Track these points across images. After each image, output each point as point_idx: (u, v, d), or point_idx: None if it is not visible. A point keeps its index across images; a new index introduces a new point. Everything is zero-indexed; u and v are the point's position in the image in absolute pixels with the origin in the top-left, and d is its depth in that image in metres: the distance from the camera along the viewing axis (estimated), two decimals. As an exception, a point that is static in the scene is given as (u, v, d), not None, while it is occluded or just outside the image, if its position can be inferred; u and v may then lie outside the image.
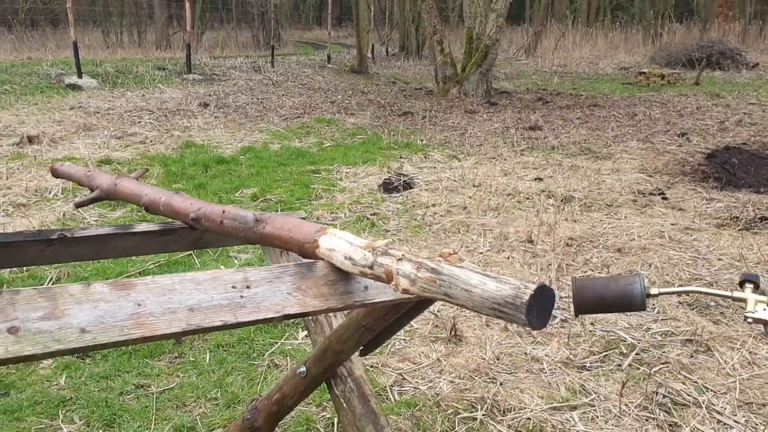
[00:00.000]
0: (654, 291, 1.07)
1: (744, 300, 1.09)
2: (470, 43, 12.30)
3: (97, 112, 9.83)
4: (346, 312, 1.70)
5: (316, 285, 1.32)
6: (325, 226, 1.41)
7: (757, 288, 1.09)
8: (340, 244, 1.35)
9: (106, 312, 1.06)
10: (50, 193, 5.90)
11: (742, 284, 1.11)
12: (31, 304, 1.01)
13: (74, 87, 11.79)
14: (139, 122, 9.40)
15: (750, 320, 1.08)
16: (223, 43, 23.10)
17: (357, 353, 1.72)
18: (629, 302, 1.05)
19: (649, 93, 12.98)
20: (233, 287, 1.22)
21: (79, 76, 12.21)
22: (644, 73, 14.96)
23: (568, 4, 27.26)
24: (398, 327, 1.66)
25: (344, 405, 1.72)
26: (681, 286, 0.96)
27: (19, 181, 6.20)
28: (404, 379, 3.06)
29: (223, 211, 1.62)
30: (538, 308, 1.07)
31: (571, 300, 1.03)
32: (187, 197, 1.76)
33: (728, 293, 1.10)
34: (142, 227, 1.72)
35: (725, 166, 6.86)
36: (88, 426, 2.73)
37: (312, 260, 1.39)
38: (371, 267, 1.27)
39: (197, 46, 19.09)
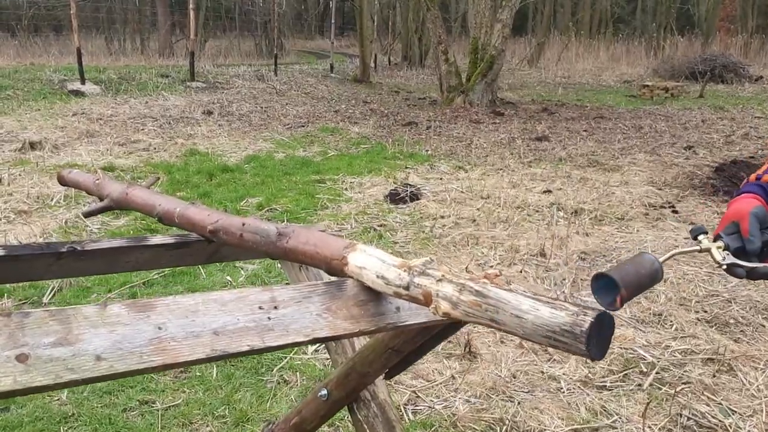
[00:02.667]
0: (661, 260, 1.05)
1: (708, 250, 1.11)
2: (475, 53, 12.25)
3: (100, 119, 9.75)
4: (370, 332, 1.60)
5: (346, 306, 1.23)
6: (354, 242, 1.31)
7: (707, 236, 1.13)
8: (371, 262, 1.26)
9: (123, 337, 0.97)
10: (52, 199, 5.80)
11: (696, 237, 1.14)
12: (42, 328, 0.91)
13: (77, 93, 11.71)
14: (143, 129, 9.32)
15: (723, 267, 1.10)
16: (226, 52, 23.09)
17: (381, 376, 1.63)
18: (657, 277, 1.04)
19: (654, 106, 12.92)
20: (260, 308, 1.12)
21: (82, 82, 12.14)
22: (648, 85, 14.91)
23: (571, 16, 27.29)
24: (427, 349, 1.56)
25: (367, 431, 1.63)
26: (669, 251, 0.96)
27: (21, 187, 6.10)
28: (418, 397, 2.96)
29: (243, 224, 1.53)
30: (598, 337, 0.98)
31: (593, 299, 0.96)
32: (203, 208, 1.67)
33: (697, 248, 1.13)
34: (157, 240, 1.62)
35: (733, 179, 6.78)
36: (91, 444, 2.63)
37: (340, 278, 1.30)
38: (407, 288, 1.18)
39: (200, 54, 19.06)
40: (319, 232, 1.43)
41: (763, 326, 3.49)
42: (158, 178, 2.46)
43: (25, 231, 5.04)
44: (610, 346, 3.33)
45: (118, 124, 9.55)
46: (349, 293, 1.25)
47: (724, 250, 1.13)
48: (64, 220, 5.29)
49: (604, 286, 1.03)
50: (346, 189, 6.54)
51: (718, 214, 5.62)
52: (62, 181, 2.11)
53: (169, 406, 2.87)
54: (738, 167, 7.11)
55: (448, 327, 1.51)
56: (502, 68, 12.81)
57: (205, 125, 9.87)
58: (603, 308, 1.01)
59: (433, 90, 15.68)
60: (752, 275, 1.11)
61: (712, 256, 1.13)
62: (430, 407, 2.87)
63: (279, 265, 3.53)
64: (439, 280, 1.14)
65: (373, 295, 1.27)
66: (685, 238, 4.98)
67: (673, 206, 5.91)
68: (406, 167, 7.44)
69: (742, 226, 1.14)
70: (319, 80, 17.39)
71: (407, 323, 1.29)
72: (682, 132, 9.73)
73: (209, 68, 16.66)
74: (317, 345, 3.20)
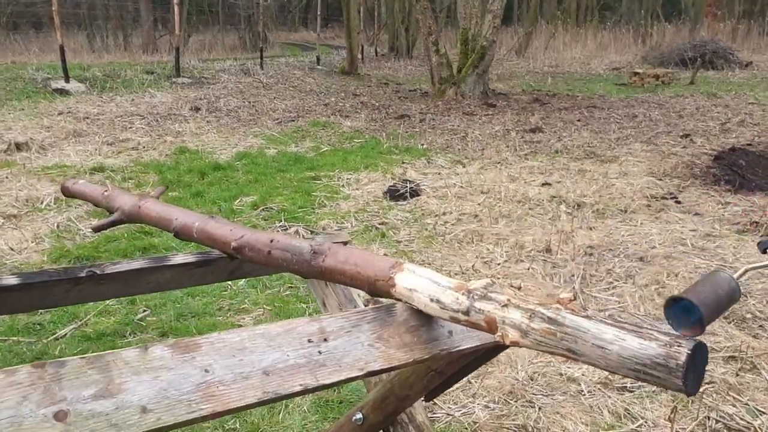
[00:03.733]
0: (735, 277, 0.99)
1: None
2: (465, 44, 12.13)
3: (87, 118, 9.55)
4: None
5: (398, 333, 1.13)
6: (401, 261, 1.21)
7: None
8: (422, 284, 1.16)
9: (169, 383, 0.86)
10: (42, 202, 5.65)
11: (765, 251, 1.10)
12: (81, 378, 0.81)
13: (62, 92, 11.48)
14: (131, 128, 9.14)
15: None
16: (210, 46, 22.82)
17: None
18: (735, 297, 0.97)
19: (645, 94, 12.88)
20: (309, 341, 1.02)
21: (67, 80, 11.90)
22: (638, 73, 14.87)
23: (557, 4, 27.21)
24: (470, 370, 1.47)
25: (406, 455, 1.53)
26: (741, 268, 0.91)
27: (9, 190, 5.94)
28: (435, 404, 2.86)
29: (272, 240, 1.42)
30: (694, 369, 0.89)
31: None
32: (224, 222, 1.56)
33: None
34: (179, 259, 1.51)
35: (734, 168, 6.74)
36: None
37: (388, 302, 1.20)
38: (467, 313, 1.08)
39: (185, 49, 18.81)
40: (360, 250, 1.33)
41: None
42: (166, 188, 2.34)
43: (15, 236, 4.90)
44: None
45: (105, 122, 9.36)
46: (400, 318, 1.16)
47: None
48: (55, 224, 5.15)
49: (682, 309, 0.93)
50: (342, 186, 6.43)
51: (722, 204, 5.57)
52: (67, 193, 1.98)
53: (179, 421, 2.76)
54: (737, 155, 7.07)
55: (494, 348, 1.42)
56: (493, 59, 12.70)
57: (194, 122, 9.71)
58: (685, 334, 0.93)
59: (423, 81, 15.57)
60: None
61: None
62: (448, 414, 2.79)
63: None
64: (505, 305, 1.04)
65: (424, 320, 1.18)
66: (691, 230, 4.92)
67: (675, 197, 5.85)
68: (403, 162, 7.33)
69: None
70: (306, 73, 17.20)
71: (461, 348, 1.20)
72: (677, 120, 9.69)
73: (194, 63, 16.43)
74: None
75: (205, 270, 1.53)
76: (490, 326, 1.06)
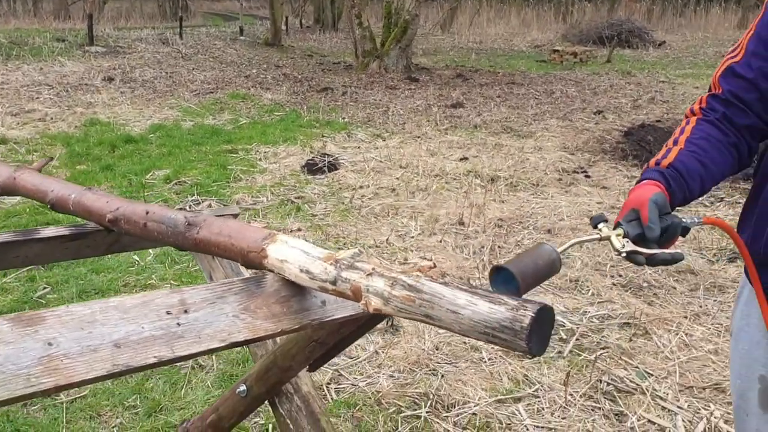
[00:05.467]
0: (559, 250, 1.07)
1: (608, 238, 1.12)
2: (389, 18, 12.10)
3: (-11, 87, 9.03)
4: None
5: (266, 304, 1.12)
6: (274, 232, 1.20)
7: (607, 223, 1.14)
8: (293, 254, 1.15)
9: (6, 357, 0.83)
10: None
11: (596, 226, 1.15)
12: None
13: (-39, 58, 10.81)
14: (38, 98, 8.71)
15: (623, 255, 1.11)
16: (127, 14, 21.94)
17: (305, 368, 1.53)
18: (555, 268, 1.04)
19: (564, 71, 13.20)
20: (168, 313, 1.00)
21: (-33, 46, 11.20)
22: (558, 50, 15.22)
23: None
24: (353, 340, 1.48)
25: (291, 426, 1.54)
26: (569, 240, 0.98)
27: None
28: (341, 375, 2.89)
29: (147, 212, 1.38)
30: (539, 331, 0.92)
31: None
32: (102, 194, 1.51)
33: (597, 236, 1.13)
34: (49, 232, 1.45)
35: (642, 143, 7.02)
36: (-12, 446, 2.42)
37: (259, 273, 1.19)
38: (334, 282, 1.08)
39: (99, 17, 17.99)
40: (235, 222, 1.31)
41: (674, 288, 3.62)
42: (51, 159, 2.24)
43: None
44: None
45: (9, 92, 8.89)
46: (270, 289, 1.15)
47: (623, 237, 1.13)
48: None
49: (503, 278, 1.01)
50: (260, 159, 6.34)
51: (628, 177, 5.79)
52: (-63, 164, 1.87)
53: (75, 398, 2.69)
54: (645, 131, 7.36)
55: (375, 317, 1.43)
56: (416, 33, 12.71)
57: (106, 92, 9.33)
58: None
59: (347, 54, 15.44)
60: (652, 262, 1.11)
61: (612, 245, 1.12)
62: (353, 385, 2.82)
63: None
64: (369, 274, 1.05)
65: (296, 290, 1.17)
66: (598, 203, 5.11)
67: (585, 171, 6.05)
68: (323, 136, 7.28)
69: (642, 214, 1.15)
70: (228, 44, 16.79)
71: (334, 318, 1.20)
72: (592, 97, 9.99)
73: (109, 32, 15.77)
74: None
75: (80, 243, 1.47)
76: (356, 295, 1.06)
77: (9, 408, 2.62)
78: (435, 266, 1.03)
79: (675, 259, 1.12)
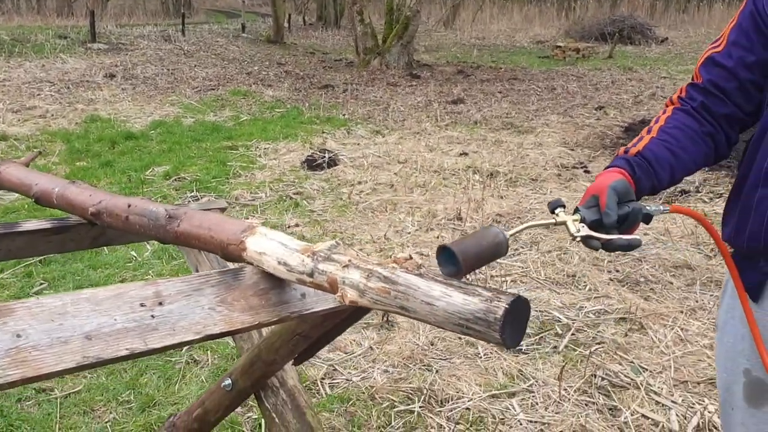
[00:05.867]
0: (508, 234, 1.08)
1: (564, 223, 1.13)
2: (390, 14, 12.08)
3: (-9, 84, 9.05)
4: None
5: (244, 296, 1.11)
6: (254, 224, 1.19)
7: (565, 209, 1.15)
8: (271, 247, 1.15)
9: (-28, 349, 0.82)
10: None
11: (554, 210, 1.16)
12: None
13: (-37, 55, 10.83)
14: (39, 95, 8.72)
15: (577, 239, 1.12)
16: (130, 11, 21.95)
17: (290, 361, 1.53)
18: (500, 250, 1.05)
19: (566, 67, 13.17)
20: (142, 305, 1.00)
21: (-31, 43, 11.22)
22: (560, 47, 15.17)
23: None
24: (337, 333, 1.47)
25: (276, 420, 1.53)
26: (522, 224, 1.00)
27: None
28: (335, 370, 2.89)
29: (129, 205, 1.38)
30: (513, 323, 0.91)
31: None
32: (85, 187, 1.50)
33: (553, 221, 1.14)
34: (31, 225, 1.45)
35: (642, 139, 6.99)
36: (-19, 441, 2.43)
37: (238, 265, 1.18)
38: (311, 275, 1.07)
39: (102, 14, 18.01)
40: (215, 215, 1.30)
41: (671, 283, 3.60)
42: (39, 153, 2.24)
43: None
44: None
45: (11, 89, 8.90)
46: (248, 282, 1.14)
47: (580, 222, 1.14)
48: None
49: (447, 258, 1.02)
50: (260, 156, 6.33)
51: (626, 173, 5.76)
52: (-75, 158, 1.87)
53: (69, 394, 2.69)
54: (646, 126, 7.33)
55: (359, 309, 1.43)
56: (417, 30, 12.69)
57: (108, 89, 9.34)
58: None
59: (349, 52, 15.42)
60: (608, 247, 1.12)
61: (567, 229, 1.14)
62: (347, 380, 2.81)
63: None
64: (345, 266, 1.04)
65: (275, 283, 1.17)
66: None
67: (585, 166, 6.02)
68: (323, 132, 7.27)
69: (601, 200, 1.16)
70: (230, 41, 16.79)
71: (313, 310, 1.20)
72: (593, 93, 9.96)
73: (112, 29, 15.78)
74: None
75: (64, 237, 1.47)
76: (332, 286, 1.05)
77: (2, 403, 2.62)
78: (412, 258, 1.02)
79: (631, 245, 1.11)
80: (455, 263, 1.00)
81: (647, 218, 1.18)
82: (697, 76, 1.29)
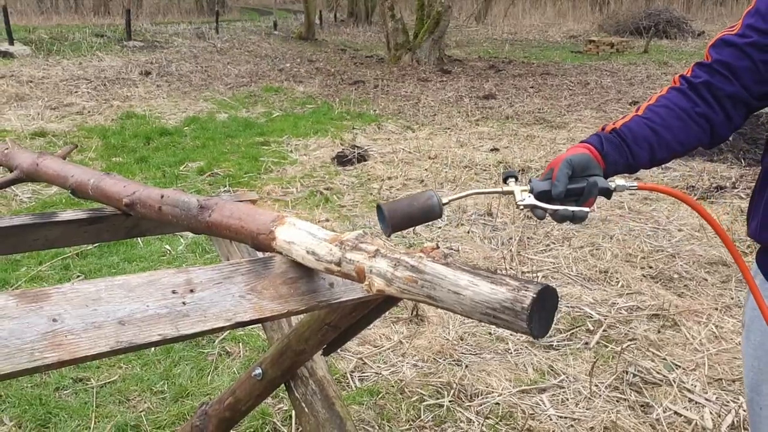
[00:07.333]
0: (445, 200, 1.15)
1: (512, 192, 1.18)
2: (422, 10, 12.05)
3: (31, 81, 9.26)
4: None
5: (273, 285, 1.13)
6: (283, 214, 1.21)
7: (517, 181, 1.20)
8: (300, 236, 1.16)
9: (11, 332, 0.85)
10: (-22, 168, 5.48)
11: (506, 180, 1.21)
12: None
13: (5, 54, 11.09)
14: (76, 92, 8.90)
15: (521, 207, 1.17)
16: (165, 9, 22.26)
17: (319, 352, 1.54)
18: (431, 213, 1.13)
19: (600, 61, 12.99)
20: (174, 292, 1.01)
21: (11, 42, 11.51)
22: (594, 41, 14.98)
23: (517, -29, 27.11)
24: (366, 324, 1.48)
25: (306, 409, 1.55)
26: (464, 190, 1.04)
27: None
28: (365, 364, 2.90)
29: (162, 196, 1.40)
30: (540, 312, 0.91)
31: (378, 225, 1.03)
32: (119, 179, 1.54)
33: (499, 189, 1.19)
34: (68, 215, 1.48)
35: (678, 134, 6.87)
36: (20, 427, 2.49)
37: (268, 255, 1.20)
38: (339, 264, 1.08)
39: (137, 12, 18.30)
40: (246, 205, 1.32)
41: (706, 280, 3.54)
42: (75, 146, 2.29)
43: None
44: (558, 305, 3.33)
45: (49, 86, 9.10)
46: (277, 271, 1.15)
47: (528, 192, 1.17)
48: (-9, 190, 5.00)
49: (380, 216, 1.13)
50: (291, 151, 6.38)
51: (662, 169, 5.68)
52: (-33, 152, 1.92)
53: (105, 383, 2.74)
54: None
55: (387, 300, 1.43)
56: (449, 25, 12.64)
57: (143, 86, 9.49)
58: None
59: (380, 48, 15.43)
60: (554, 216, 1.15)
61: (514, 197, 1.18)
62: (377, 374, 2.82)
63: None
64: (373, 256, 1.05)
65: (303, 272, 1.18)
66: (630, 194, 5.02)
67: (618, 162, 5.94)
68: (354, 128, 7.29)
69: (554, 172, 1.18)
70: (263, 38, 16.91)
71: (341, 300, 1.20)
72: (628, 88, 9.81)
73: (147, 27, 16.02)
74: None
75: (100, 227, 1.50)
76: (360, 275, 1.06)
77: (41, 392, 2.69)
78: (438, 248, 1.02)
79: (576, 216, 1.13)
80: (384, 221, 1.09)
81: (606, 192, 1.18)
82: (706, 56, 1.25)
